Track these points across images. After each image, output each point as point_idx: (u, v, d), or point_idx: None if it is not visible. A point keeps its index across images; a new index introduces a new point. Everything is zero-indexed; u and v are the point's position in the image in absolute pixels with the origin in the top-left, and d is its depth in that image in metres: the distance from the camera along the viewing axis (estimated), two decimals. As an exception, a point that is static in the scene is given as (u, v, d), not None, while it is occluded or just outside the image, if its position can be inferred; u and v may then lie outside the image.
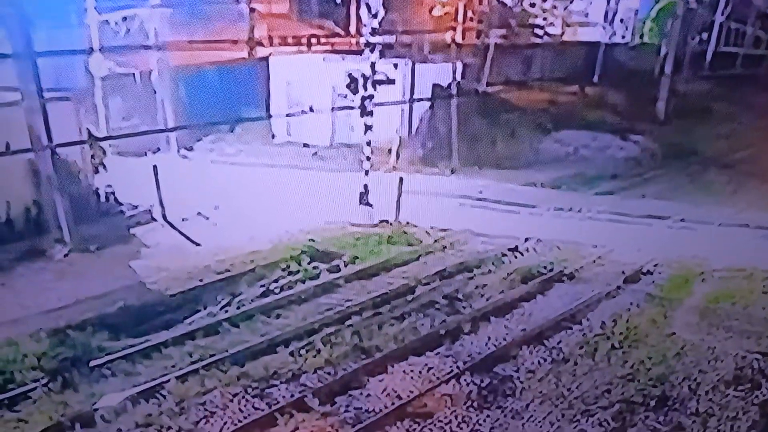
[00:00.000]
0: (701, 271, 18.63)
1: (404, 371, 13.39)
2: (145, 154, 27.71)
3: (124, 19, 28.23)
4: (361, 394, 12.62)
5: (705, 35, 46.38)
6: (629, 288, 17.60)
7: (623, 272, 18.35)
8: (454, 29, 34.89)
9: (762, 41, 49.44)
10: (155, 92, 29.39)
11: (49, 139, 17.77)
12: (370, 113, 21.76)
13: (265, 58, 31.39)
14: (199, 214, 22.31)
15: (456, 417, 11.93)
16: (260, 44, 29.34)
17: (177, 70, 29.31)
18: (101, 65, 28.09)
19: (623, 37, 48.48)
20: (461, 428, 11.65)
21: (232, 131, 32.34)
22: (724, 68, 44.33)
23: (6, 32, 17.39)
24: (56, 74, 21.99)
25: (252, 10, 30.17)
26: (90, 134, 22.87)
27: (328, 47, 30.93)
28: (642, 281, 18.12)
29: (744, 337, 15.07)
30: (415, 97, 30.33)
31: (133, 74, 29.24)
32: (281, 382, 12.79)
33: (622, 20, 48.91)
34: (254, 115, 29.37)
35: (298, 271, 17.79)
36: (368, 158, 22.19)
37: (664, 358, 14.10)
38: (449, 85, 30.22)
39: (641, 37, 48.87)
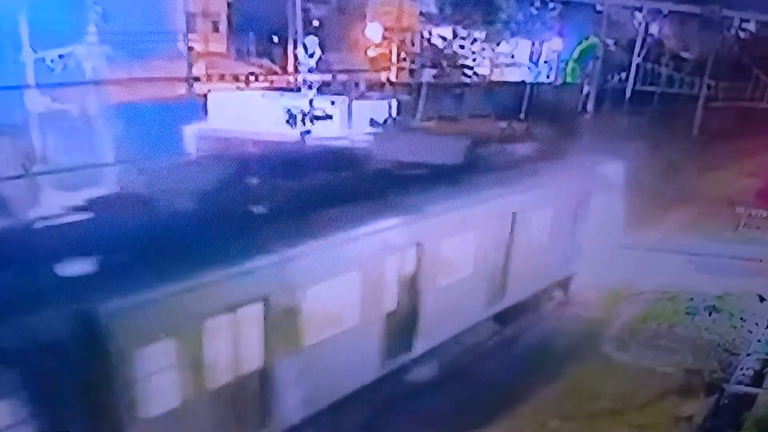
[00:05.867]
0: (629, 294, 19.56)
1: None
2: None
3: (61, 56, 28.04)
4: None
5: (624, 75, 48.39)
6: (560, 310, 18.41)
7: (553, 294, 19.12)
8: (389, 69, 35.95)
9: (675, 81, 51.80)
10: (93, 128, 29.15)
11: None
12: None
13: (204, 95, 31.56)
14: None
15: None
16: (198, 81, 29.57)
17: (115, 107, 29.20)
18: (37, 101, 27.79)
19: (548, 77, 50.28)
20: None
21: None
22: (642, 105, 46.22)
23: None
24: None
25: (190, 48, 30.41)
26: (26, 169, 22.59)
27: (267, 84, 31.35)
28: (572, 303, 18.93)
29: (670, 355, 15.96)
30: (352, 131, 30.84)
31: (71, 110, 28.98)
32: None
33: (546, 62, 50.84)
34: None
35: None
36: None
37: (597, 376, 14.85)
38: (385, 120, 30.88)
39: (564, 76, 50.66)
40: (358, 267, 11.64)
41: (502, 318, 16.40)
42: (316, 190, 12.45)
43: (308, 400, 11.00)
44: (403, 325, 13.00)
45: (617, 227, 19.49)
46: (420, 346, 13.48)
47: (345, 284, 11.38)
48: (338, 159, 14.90)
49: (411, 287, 13.01)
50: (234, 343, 9.83)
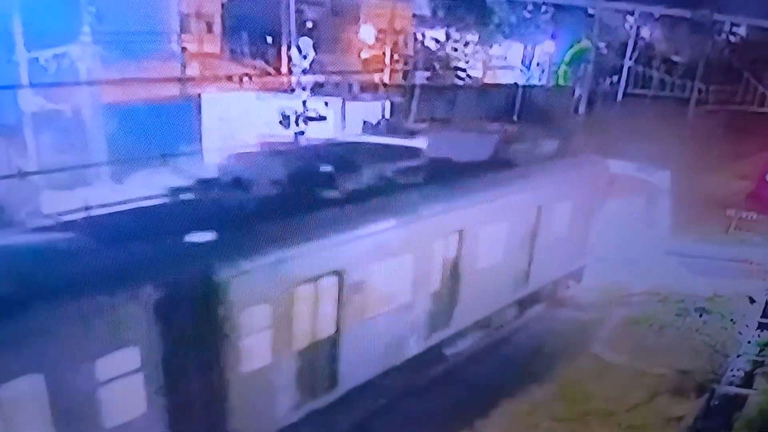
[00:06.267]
0: (620, 295, 19.70)
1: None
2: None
3: (55, 56, 27.97)
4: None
5: (615, 78, 48.58)
6: (554, 311, 18.52)
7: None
8: (382, 71, 36.05)
9: (666, 84, 51.99)
10: (87, 127, 29.11)
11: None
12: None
13: (198, 96, 31.53)
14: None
15: None
16: (192, 81, 29.56)
17: (109, 106, 29.15)
18: (31, 101, 27.72)
19: (540, 79, 50.43)
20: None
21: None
22: (634, 108, 46.34)
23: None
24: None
25: (183, 49, 30.42)
26: (19, 169, 22.58)
27: (260, 85, 31.37)
28: (566, 305, 19.05)
29: (661, 356, 16.07)
30: (345, 133, 30.90)
31: (65, 110, 28.91)
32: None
33: (538, 64, 50.99)
34: (187, 150, 29.38)
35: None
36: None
37: (588, 377, 14.95)
38: (378, 122, 30.95)
39: (556, 79, 50.80)
40: (411, 250, 13.03)
41: (525, 302, 17.68)
42: (377, 181, 13.68)
43: (369, 365, 12.60)
44: (444, 303, 14.36)
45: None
46: (456, 324, 14.86)
47: (400, 264, 12.83)
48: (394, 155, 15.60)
49: (453, 269, 14.34)
50: (314, 310, 11.29)
